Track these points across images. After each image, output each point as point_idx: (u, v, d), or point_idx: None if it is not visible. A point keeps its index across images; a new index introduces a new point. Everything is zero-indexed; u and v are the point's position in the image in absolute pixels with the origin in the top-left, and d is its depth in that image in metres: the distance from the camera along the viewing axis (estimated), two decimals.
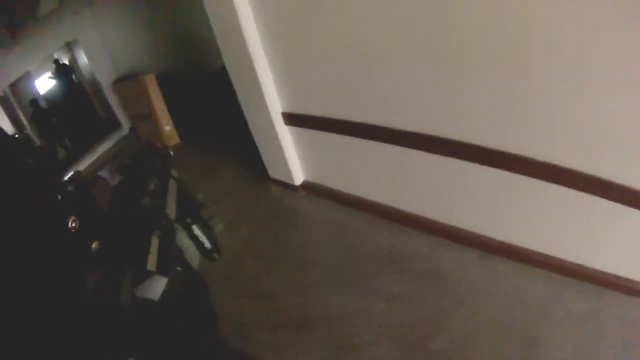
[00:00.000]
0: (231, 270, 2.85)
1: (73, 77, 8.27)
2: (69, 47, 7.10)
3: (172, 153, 2.90)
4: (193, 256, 2.47)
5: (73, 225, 1.09)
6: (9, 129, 8.28)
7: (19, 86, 8.12)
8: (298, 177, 3.32)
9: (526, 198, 2.05)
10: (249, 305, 2.60)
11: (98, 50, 6.37)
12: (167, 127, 5.30)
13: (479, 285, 2.28)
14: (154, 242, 1.60)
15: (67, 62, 8.45)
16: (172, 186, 2.45)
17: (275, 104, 2.94)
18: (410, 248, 2.60)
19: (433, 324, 2.17)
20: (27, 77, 8.40)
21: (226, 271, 2.80)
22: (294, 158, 3.22)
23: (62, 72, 8.49)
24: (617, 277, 2.03)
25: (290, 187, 3.39)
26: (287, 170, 3.28)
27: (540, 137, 1.78)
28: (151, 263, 1.46)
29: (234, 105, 3.24)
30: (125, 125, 6.70)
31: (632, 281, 2.00)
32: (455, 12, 1.69)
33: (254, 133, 3.30)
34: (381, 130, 2.38)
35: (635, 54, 1.38)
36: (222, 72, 3.15)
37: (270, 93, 2.88)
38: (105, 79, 6.43)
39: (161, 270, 1.48)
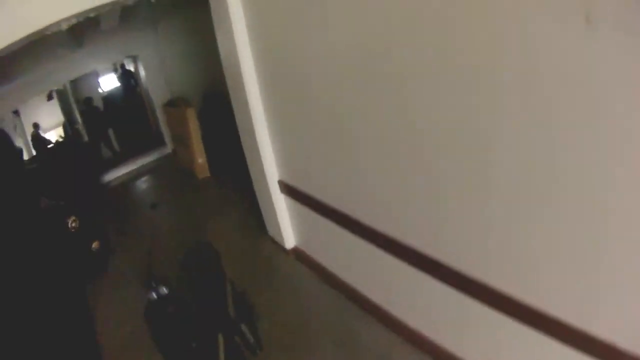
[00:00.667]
0: None
1: (135, 85, 9.00)
2: (134, 58, 7.75)
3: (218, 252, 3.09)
4: None
5: (73, 225, 1.26)
6: (60, 119, 9.01)
7: (80, 83, 8.86)
8: (289, 241, 3.40)
9: (482, 323, 1.99)
10: None
11: (155, 70, 6.88)
12: (200, 160, 5.63)
13: None
14: (221, 343, 1.81)
15: (131, 69, 9.24)
16: (228, 286, 2.62)
17: (273, 171, 3.07)
18: (368, 337, 2.55)
19: None
20: (92, 76, 9.15)
21: None
22: (287, 224, 3.32)
23: (126, 77, 9.26)
24: None
25: (283, 250, 3.49)
26: (280, 234, 3.37)
27: (503, 268, 1.74)
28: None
29: None
30: (170, 144, 7.18)
31: None
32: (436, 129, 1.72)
33: (255, 191, 3.47)
34: (359, 225, 2.42)
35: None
36: None
37: (269, 159, 3.03)
38: (157, 99, 6.94)
39: None
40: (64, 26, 2.50)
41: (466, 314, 2.02)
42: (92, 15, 2.58)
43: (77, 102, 8.96)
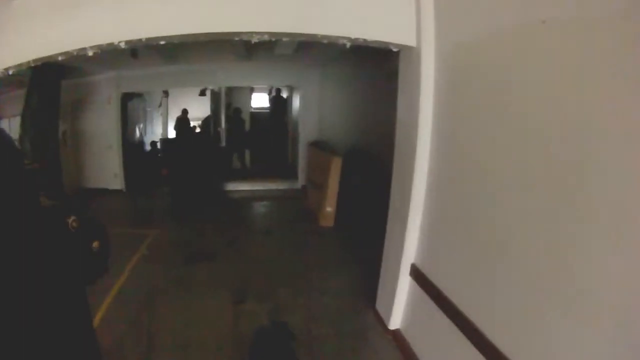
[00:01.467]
0: None
1: (284, 113, 9.74)
2: (291, 88, 8.41)
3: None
4: None
5: (73, 225, 1.24)
6: (203, 115, 9.91)
7: (233, 92, 9.85)
8: (395, 322, 3.35)
9: None
10: None
11: (310, 108, 7.47)
12: (329, 209, 5.92)
13: None
14: None
15: (284, 97, 10.02)
16: None
17: (410, 253, 3.11)
18: None
19: None
20: (245, 90, 10.13)
21: None
22: (401, 305, 3.28)
23: (278, 103, 10.08)
24: None
25: (383, 326, 3.47)
26: (389, 312, 3.36)
27: None
28: None
29: None
30: (300, 181, 7.63)
31: None
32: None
33: (383, 263, 3.55)
34: (477, 335, 2.35)
35: None
36: None
37: (410, 240, 3.09)
38: (305, 135, 7.52)
39: None
40: (255, 38, 2.67)
41: None
42: (274, 39, 2.73)
43: (227, 107, 9.85)
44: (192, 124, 9.57)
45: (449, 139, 2.70)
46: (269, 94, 10.60)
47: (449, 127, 2.68)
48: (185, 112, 9.49)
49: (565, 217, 1.75)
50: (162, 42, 2.66)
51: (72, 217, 1.26)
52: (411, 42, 2.67)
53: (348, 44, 2.70)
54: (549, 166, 1.83)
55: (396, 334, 3.37)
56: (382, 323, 3.53)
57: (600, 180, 1.56)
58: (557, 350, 1.82)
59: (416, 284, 3.11)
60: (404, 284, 3.25)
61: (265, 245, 5.42)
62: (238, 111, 9.43)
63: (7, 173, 1.12)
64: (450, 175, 2.71)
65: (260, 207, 7.19)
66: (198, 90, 9.28)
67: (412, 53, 2.76)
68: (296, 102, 8.03)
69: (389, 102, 3.46)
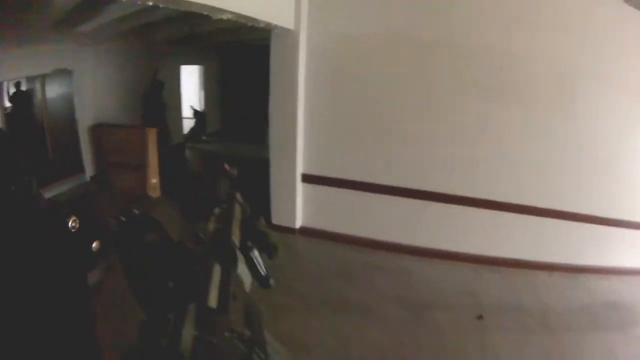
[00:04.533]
0: None
1: (29, 108, 8.98)
2: (43, 78, 7.93)
3: (236, 172, 2.67)
4: (245, 281, 2.21)
5: (73, 225, 1.32)
6: None
7: None
8: (298, 222, 5.19)
9: (455, 218, 4.44)
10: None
11: (87, 89, 7.42)
12: (154, 180, 6.67)
13: (434, 276, 4.40)
14: (216, 272, 1.65)
15: (24, 89, 9.14)
16: (237, 211, 2.36)
17: (300, 166, 4.96)
18: (382, 260, 4.64)
19: (414, 292, 4.08)
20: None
21: None
22: (299, 208, 5.14)
23: (20, 98, 9.14)
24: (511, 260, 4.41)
25: (290, 230, 5.19)
26: (292, 217, 5.15)
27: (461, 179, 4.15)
28: (212, 298, 1.48)
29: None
30: (88, 171, 7.61)
31: (523, 260, 4.42)
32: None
33: (273, 186, 5.18)
34: (366, 184, 4.65)
35: None
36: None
37: (299, 157, 4.92)
38: (84, 121, 7.46)
39: (221, 305, 1.50)
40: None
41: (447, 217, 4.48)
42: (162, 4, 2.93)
43: None
44: None
45: (324, 95, 4.72)
46: (7, 92, 9.17)
47: (324, 85, 4.68)
48: None
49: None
50: None
51: (72, 217, 1.32)
52: (290, 25, 4.34)
53: (231, 17, 3.34)
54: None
55: (303, 228, 5.24)
56: (286, 230, 5.23)
57: None
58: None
59: (309, 185, 5.04)
60: (299, 191, 5.10)
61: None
62: None
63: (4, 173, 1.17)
64: (322, 98, 4.74)
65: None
66: None
67: (288, 34, 4.42)
68: (52, 92, 7.72)
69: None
